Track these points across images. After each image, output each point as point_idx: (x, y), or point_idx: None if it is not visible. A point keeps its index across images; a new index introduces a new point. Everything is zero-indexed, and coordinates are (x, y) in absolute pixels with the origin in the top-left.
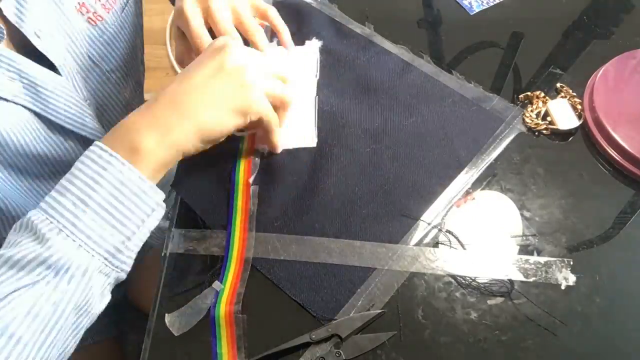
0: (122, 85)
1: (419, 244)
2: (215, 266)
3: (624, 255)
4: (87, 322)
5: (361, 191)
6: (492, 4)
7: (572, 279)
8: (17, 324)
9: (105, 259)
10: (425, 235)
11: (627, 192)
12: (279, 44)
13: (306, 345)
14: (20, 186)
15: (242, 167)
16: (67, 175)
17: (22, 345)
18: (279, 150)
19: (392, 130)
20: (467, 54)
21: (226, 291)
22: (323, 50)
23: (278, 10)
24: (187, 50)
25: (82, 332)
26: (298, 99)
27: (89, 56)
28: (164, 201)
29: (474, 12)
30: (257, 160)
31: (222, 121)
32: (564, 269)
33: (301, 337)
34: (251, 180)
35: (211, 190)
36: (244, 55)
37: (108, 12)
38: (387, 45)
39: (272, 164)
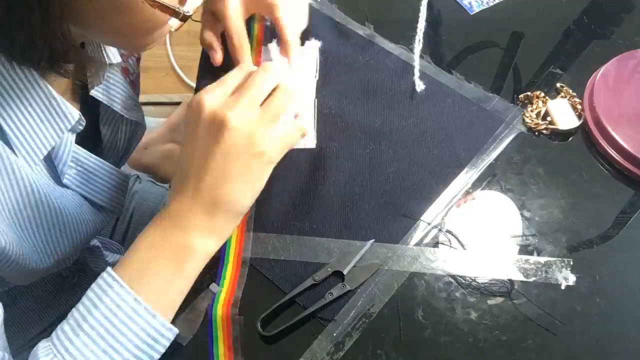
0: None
1: (419, 244)
2: (213, 267)
3: (624, 255)
4: None
5: (361, 191)
6: (492, 4)
7: (572, 279)
8: None
9: None
10: (425, 235)
11: (627, 192)
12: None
13: (311, 288)
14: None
15: None
16: (78, 303)
17: None
18: (311, 142)
19: (392, 131)
20: (467, 54)
21: (223, 293)
22: (323, 51)
23: None
24: (216, 35)
25: None
26: (298, 99)
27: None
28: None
29: (474, 12)
30: None
31: (258, 190)
32: (564, 269)
33: (305, 282)
34: None
35: None
36: (244, 124)
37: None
38: (387, 45)
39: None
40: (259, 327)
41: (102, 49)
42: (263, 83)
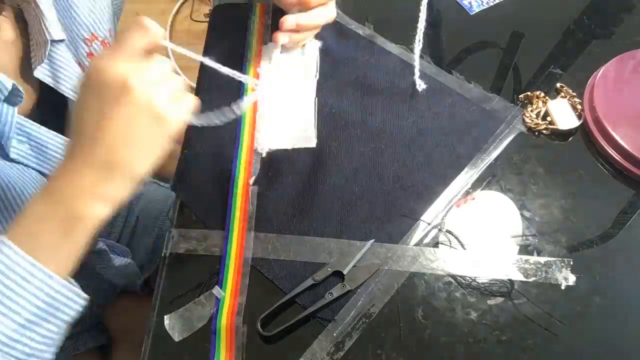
0: None
1: (419, 244)
2: (215, 266)
3: (624, 255)
4: None
5: (361, 191)
6: (492, 4)
7: (572, 279)
8: None
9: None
10: (425, 235)
11: (627, 192)
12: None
13: (311, 288)
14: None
15: (242, 168)
16: None
17: None
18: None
19: (392, 131)
20: (467, 54)
21: (227, 300)
22: (323, 51)
23: (277, 10)
24: None
25: None
26: (298, 99)
27: None
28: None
29: (474, 12)
30: (257, 161)
31: (156, 157)
32: (564, 269)
33: (305, 282)
34: (251, 181)
35: (210, 190)
36: (147, 83)
37: None
38: (387, 45)
39: (272, 164)
40: (259, 327)
41: (43, 24)
42: (164, 68)
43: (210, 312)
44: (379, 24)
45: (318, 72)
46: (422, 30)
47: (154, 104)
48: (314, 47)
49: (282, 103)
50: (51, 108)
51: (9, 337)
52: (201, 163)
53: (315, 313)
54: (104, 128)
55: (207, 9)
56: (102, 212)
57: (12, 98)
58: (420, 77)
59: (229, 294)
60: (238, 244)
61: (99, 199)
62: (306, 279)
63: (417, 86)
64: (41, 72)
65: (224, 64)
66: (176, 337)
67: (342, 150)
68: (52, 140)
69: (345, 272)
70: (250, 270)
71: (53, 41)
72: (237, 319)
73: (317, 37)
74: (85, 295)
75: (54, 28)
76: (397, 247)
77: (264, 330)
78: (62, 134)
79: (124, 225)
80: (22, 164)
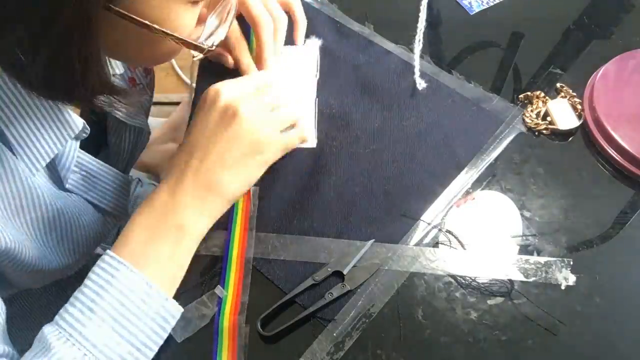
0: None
1: (419, 244)
2: (215, 266)
3: (624, 255)
4: None
5: (361, 191)
6: (492, 4)
7: (572, 279)
8: None
9: None
10: (425, 235)
11: (627, 192)
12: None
13: (311, 288)
14: (65, 255)
15: None
16: (80, 287)
17: None
18: (311, 142)
19: (392, 131)
20: (467, 54)
21: (230, 299)
22: (323, 50)
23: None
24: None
25: None
26: (298, 99)
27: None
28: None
29: (474, 12)
30: None
31: (250, 184)
32: (564, 269)
33: (305, 282)
34: None
35: None
36: (255, 115)
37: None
38: (387, 45)
39: (272, 164)
40: (259, 327)
41: (108, 61)
42: (282, 93)
43: (212, 312)
44: (379, 24)
45: (318, 72)
46: (422, 30)
47: (257, 134)
48: (314, 47)
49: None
50: (92, 136)
51: (121, 357)
52: None
53: (315, 313)
54: (209, 149)
55: None
56: (204, 225)
57: (78, 134)
58: (420, 77)
59: (231, 293)
60: (240, 244)
61: (199, 214)
62: (306, 279)
63: (417, 85)
64: (120, 113)
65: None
66: (178, 338)
67: (342, 150)
68: (101, 170)
69: (345, 272)
70: (251, 270)
71: (114, 74)
72: (239, 318)
73: (317, 36)
74: (182, 309)
75: (117, 63)
76: (397, 247)
77: (264, 330)
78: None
79: (120, 229)
80: (74, 193)
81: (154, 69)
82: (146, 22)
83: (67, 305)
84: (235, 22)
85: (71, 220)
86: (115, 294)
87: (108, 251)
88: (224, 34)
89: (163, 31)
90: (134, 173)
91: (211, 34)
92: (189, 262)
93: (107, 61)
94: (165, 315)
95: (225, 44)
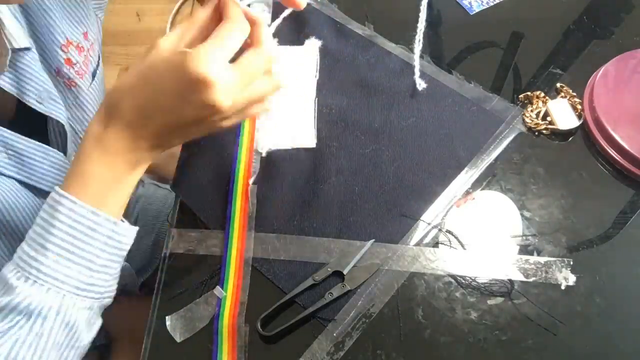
0: None
1: (419, 244)
2: (215, 266)
3: (624, 255)
4: (75, 353)
5: (361, 191)
6: (492, 4)
7: (572, 279)
8: None
9: (77, 295)
10: (425, 235)
11: (627, 192)
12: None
13: (311, 288)
14: (8, 249)
15: (242, 168)
16: (32, 226)
17: None
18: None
19: (392, 131)
20: (467, 54)
21: (229, 300)
22: (323, 51)
23: (278, 10)
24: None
25: None
26: (297, 99)
27: (66, 119)
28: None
29: (474, 12)
30: (257, 161)
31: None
32: (564, 269)
33: (305, 282)
34: (251, 181)
35: (210, 190)
36: (229, 96)
37: (81, 78)
38: (387, 45)
39: (272, 164)
40: (259, 327)
41: (2, 34)
42: (270, 58)
43: (212, 312)
44: (379, 24)
45: (318, 72)
46: (422, 30)
47: (231, 112)
48: (313, 47)
49: (282, 103)
50: (34, 119)
51: (86, 283)
52: (201, 163)
53: (315, 313)
54: (167, 120)
55: None
56: (136, 174)
57: None
58: (420, 77)
59: (230, 293)
60: (238, 244)
61: (131, 162)
62: (306, 279)
63: (417, 86)
64: (3, 82)
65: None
66: (178, 338)
67: (342, 150)
68: (33, 149)
69: (345, 272)
70: (250, 270)
71: (16, 50)
72: (239, 318)
73: (317, 37)
74: (136, 227)
75: (17, 36)
76: (397, 247)
77: (264, 330)
78: (47, 144)
79: None
80: (1, 174)
81: (95, 49)
82: None
83: (22, 244)
84: None
85: (6, 207)
86: (63, 227)
87: (56, 187)
88: None
89: None
90: None
91: None
92: (131, 191)
93: (1, 32)
94: (118, 238)
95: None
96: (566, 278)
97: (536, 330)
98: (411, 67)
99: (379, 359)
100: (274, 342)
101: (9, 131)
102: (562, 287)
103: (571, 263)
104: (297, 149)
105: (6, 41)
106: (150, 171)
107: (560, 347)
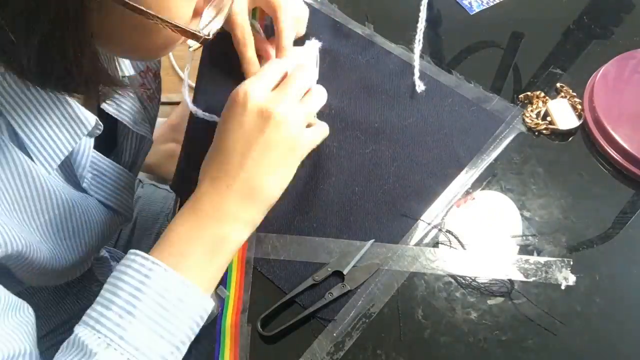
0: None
1: (419, 244)
2: None
3: (624, 255)
4: None
5: (361, 191)
6: (492, 4)
7: (572, 279)
8: None
9: None
10: (425, 235)
11: (627, 192)
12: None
13: (311, 288)
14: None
15: None
16: (108, 287)
17: None
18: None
19: (392, 131)
20: (467, 54)
21: (232, 298)
22: (323, 51)
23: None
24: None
25: None
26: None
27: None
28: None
29: (474, 12)
30: None
31: (286, 183)
32: (564, 269)
33: (305, 282)
34: None
35: None
36: (288, 115)
37: (151, 103)
38: (387, 45)
39: None
40: (259, 327)
41: (116, 61)
42: (303, 82)
43: (215, 312)
44: (379, 24)
45: (318, 73)
46: (422, 30)
47: (292, 132)
48: (313, 47)
49: None
50: (102, 136)
51: (163, 357)
52: (201, 163)
53: (315, 313)
54: (246, 156)
55: None
56: (244, 235)
57: (92, 130)
58: (420, 77)
59: (233, 293)
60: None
61: (242, 223)
62: (306, 279)
63: (417, 87)
64: (107, 105)
65: (222, 61)
66: None
67: (342, 150)
68: (110, 168)
69: (345, 272)
70: (252, 269)
71: (123, 76)
72: (241, 318)
73: (317, 37)
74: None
75: (125, 64)
76: (397, 247)
77: (264, 330)
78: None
79: (121, 229)
80: (87, 192)
81: (160, 75)
82: (141, 7)
83: (100, 308)
84: (244, 15)
85: (83, 219)
86: (153, 295)
87: (138, 252)
88: (221, 23)
89: (159, 17)
90: None
91: (208, 24)
92: (221, 274)
93: (115, 59)
94: (201, 312)
95: (233, 37)
96: (566, 278)
97: (536, 330)
98: (411, 67)
99: (379, 359)
100: (274, 342)
101: (95, 152)
102: (562, 287)
103: (571, 263)
104: None
105: (119, 68)
106: (149, 171)
107: (560, 347)
